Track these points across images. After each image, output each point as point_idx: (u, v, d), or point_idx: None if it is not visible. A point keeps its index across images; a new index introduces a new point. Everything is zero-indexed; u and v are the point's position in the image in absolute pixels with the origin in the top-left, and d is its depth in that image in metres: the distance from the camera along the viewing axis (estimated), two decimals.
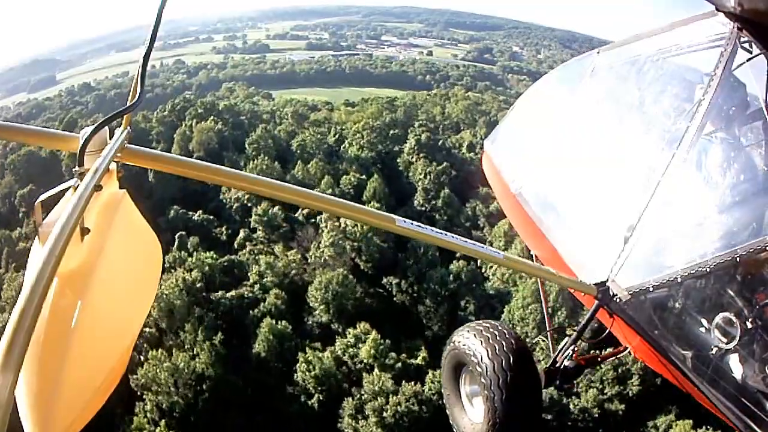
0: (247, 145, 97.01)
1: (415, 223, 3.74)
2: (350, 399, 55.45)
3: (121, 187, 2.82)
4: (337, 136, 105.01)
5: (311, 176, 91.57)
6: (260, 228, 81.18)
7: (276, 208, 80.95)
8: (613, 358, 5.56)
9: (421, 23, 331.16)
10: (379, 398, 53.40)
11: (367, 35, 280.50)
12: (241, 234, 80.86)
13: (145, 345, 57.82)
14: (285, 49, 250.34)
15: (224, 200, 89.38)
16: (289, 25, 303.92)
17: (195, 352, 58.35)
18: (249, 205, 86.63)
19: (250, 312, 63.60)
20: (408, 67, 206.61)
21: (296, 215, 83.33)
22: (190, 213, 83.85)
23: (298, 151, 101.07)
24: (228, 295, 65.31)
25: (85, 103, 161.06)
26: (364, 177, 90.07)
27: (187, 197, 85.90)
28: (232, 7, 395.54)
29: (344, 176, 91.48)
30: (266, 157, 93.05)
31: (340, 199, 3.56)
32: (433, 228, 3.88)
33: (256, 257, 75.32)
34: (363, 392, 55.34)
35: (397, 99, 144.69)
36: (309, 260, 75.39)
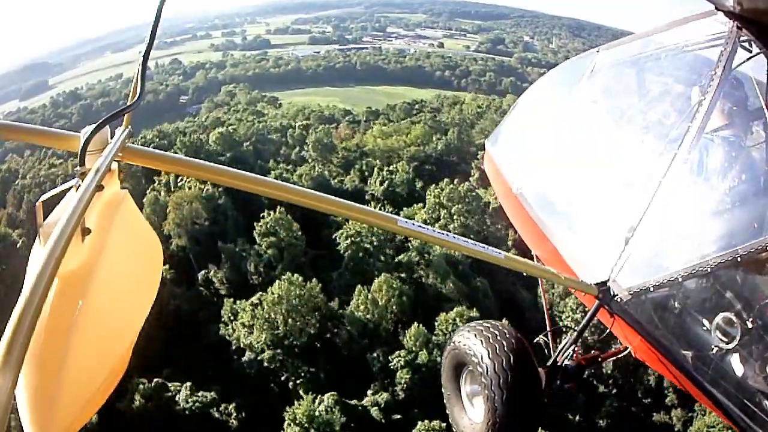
0: (258, 238, 60.25)
1: (416, 223, 3.71)
2: None
3: (122, 187, 2.71)
4: (385, 185, 74.20)
5: (387, 317, 51.31)
6: None
7: (329, 398, 44.92)
8: (614, 357, 5.26)
9: (426, 14, 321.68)
10: None
11: (373, 27, 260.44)
12: None
13: None
14: (287, 45, 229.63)
15: (227, 336, 53.99)
16: (289, 19, 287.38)
17: None
18: (271, 366, 51.17)
19: None
20: (423, 62, 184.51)
21: (364, 404, 47.11)
22: (173, 387, 48.50)
23: (349, 251, 58.96)
24: None
25: (69, 115, 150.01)
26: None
27: (167, 328, 50.46)
28: (229, 3, 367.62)
29: (441, 314, 51.13)
30: (297, 274, 53.18)
31: (341, 199, 3.44)
32: (434, 228, 3.84)
33: None
34: None
35: (426, 103, 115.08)
36: None
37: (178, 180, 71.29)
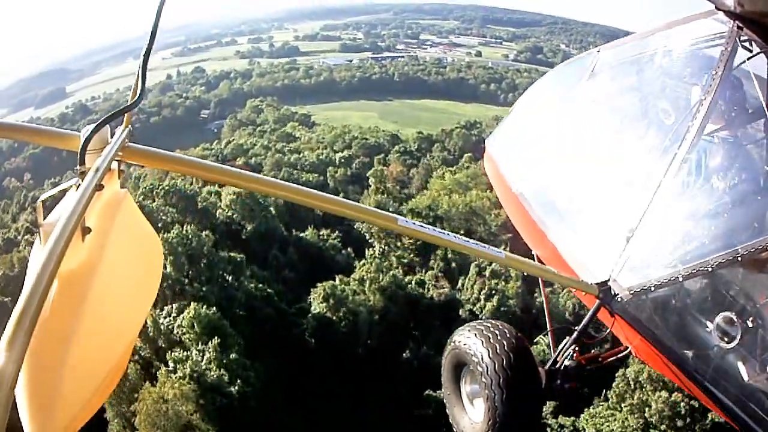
0: None
1: (417, 222, 3.63)
2: None
3: (122, 187, 2.69)
4: (494, 301, 46.65)
5: None
6: None
7: None
8: (615, 357, 5.16)
9: (457, 20, 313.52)
10: None
11: (405, 35, 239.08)
12: None
13: None
14: (317, 52, 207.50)
15: None
16: (318, 26, 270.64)
17: None
18: None
19: None
20: (465, 73, 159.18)
21: None
22: None
23: None
24: None
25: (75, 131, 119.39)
26: None
27: None
28: (255, 8, 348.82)
29: None
30: None
31: (341, 198, 3.41)
32: (434, 228, 3.72)
33: None
34: None
35: (482, 125, 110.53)
36: None
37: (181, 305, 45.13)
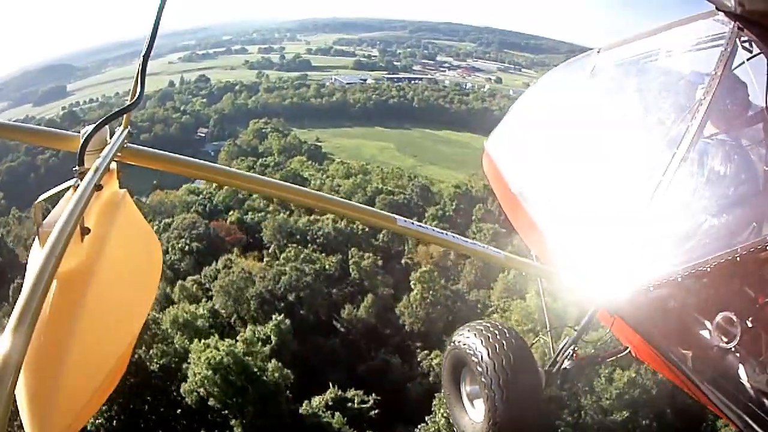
0: None
1: (416, 222, 3.45)
2: None
3: (121, 187, 2.67)
4: None
5: None
6: None
7: None
8: (614, 357, 5.08)
9: (474, 42, 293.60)
10: None
11: (422, 55, 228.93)
12: None
13: None
14: (330, 67, 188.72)
15: None
16: (331, 39, 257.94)
17: None
18: None
19: None
20: (490, 103, 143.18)
21: None
22: None
23: None
24: None
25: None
26: None
27: None
28: (269, 16, 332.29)
29: None
30: None
31: (340, 199, 3.34)
32: (434, 228, 3.60)
33: None
34: None
35: None
36: None
37: None
